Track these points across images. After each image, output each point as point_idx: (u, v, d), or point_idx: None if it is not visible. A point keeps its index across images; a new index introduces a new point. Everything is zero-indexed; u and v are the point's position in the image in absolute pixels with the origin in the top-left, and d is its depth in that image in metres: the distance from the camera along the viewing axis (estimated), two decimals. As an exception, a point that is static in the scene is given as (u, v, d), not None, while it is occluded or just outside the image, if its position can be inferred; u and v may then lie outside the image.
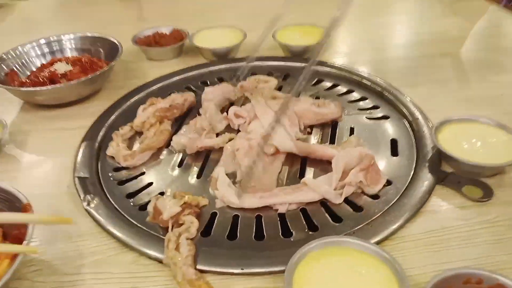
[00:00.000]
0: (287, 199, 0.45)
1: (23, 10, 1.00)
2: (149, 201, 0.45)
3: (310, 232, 0.42)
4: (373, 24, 0.85)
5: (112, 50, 0.68)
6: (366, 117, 0.58)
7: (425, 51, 0.74)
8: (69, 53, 0.72)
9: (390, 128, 0.56)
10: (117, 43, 0.69)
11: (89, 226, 0.44)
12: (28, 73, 0.68)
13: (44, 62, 0.70)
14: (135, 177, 0.50)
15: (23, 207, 0.41)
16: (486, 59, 0.71)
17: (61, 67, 0.65)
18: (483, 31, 0.80)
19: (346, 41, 0.78)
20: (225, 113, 0.57)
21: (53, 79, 0.63)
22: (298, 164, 0.50)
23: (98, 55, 0.70)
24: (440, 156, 0.50)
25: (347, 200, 0.46)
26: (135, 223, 0.44)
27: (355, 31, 0.83)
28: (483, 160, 0.47)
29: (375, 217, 0.44)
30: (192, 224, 0.42)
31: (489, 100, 0.60)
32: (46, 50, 0.71)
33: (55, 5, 1.02)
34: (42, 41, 0.71)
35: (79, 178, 0.49)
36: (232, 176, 0.49)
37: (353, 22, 0.85)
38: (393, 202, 0.45)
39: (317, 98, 0.61)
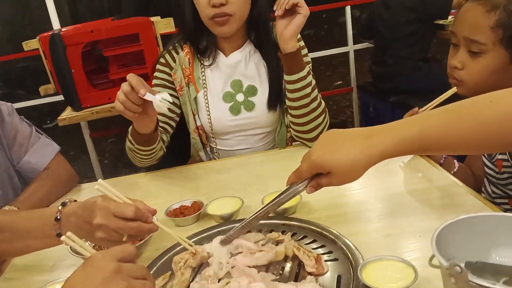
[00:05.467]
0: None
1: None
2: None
3: None
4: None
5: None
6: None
7: (371, 205, 1.03)
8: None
9: (338, 267, 0.82)
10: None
11: None
12: (93, 245, 0.98)
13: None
14: (166, 313, 0.77)
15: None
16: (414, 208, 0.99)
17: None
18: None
19: (315, 200, 1.08)
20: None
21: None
22: (271, 297, 0.76)
23: (141, 227, 1.01)
24: (366, 286, 0.75)
25: (302, 320, 0.71)
26: None
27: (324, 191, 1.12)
28: (388, 287, 0.72)
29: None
30: None
31: (411, 240, 0.87)
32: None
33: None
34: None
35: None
36: (228, 308, 0.74)
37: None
38: (331, 319, 0.70)
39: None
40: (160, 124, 1.38)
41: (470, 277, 0.52)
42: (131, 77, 1.04)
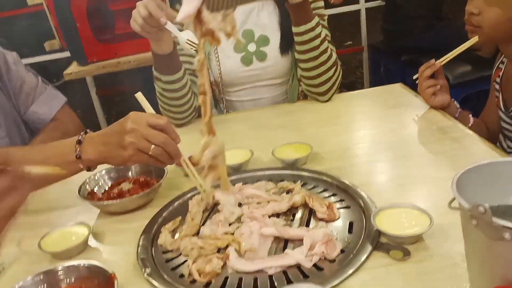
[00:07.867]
0: (274, 263, 0.69)
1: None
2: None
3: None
4: (351, 137, 1.13)
5: (160, 171, 0.97)
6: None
7: (383, 156, 1.01)
8: (130, 175, 1.02)
9: (350, 214, 0.81)
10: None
11: (148, 288, 0.70)
12: (103, 191, 0.98)
13: (113, 182, 1.00)
14: (177, 257, 0.76)
15: (109, 277, 0.67)
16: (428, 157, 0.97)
17: (125, 186, 0.96)
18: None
19: (326, 152, 1.06)
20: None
21: (120, 195, 0.93)
22: (282, 241, 0.75)
23: (151, 175, 1.00)
24: (379, 232, 0.73)
25: (314, 264, 0.70)
26: (177, 286, 0.69)
27: (335, 143, 1.10)
28: (403, 233, 0.70)
29: (331, 274, 0.67)
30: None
31: (425, 189, 0.85)
32: (115, 174, 1.02)
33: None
34: (112, 170, 1.02)
35: (141, 258, 0.76)
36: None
37: (334, 136, 1.14)
38: (343, 263, 0.69)
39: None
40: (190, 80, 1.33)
41: (494, 218, 0.50)
42: (149, 2, 1.02)
